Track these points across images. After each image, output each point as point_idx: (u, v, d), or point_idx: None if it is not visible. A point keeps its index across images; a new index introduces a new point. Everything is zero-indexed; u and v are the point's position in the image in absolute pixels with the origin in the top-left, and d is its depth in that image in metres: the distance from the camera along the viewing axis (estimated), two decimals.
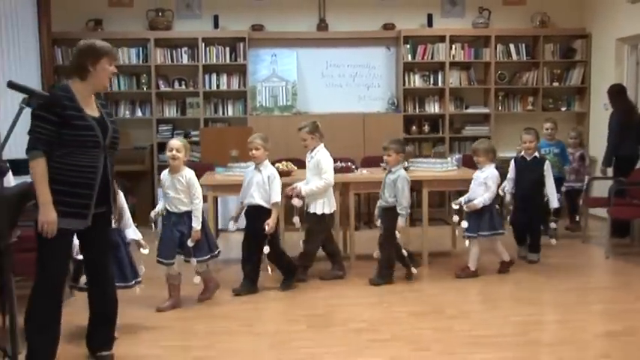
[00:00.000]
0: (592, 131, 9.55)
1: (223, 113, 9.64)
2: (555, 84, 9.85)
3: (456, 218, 6.59)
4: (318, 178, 6.18)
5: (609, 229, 7.27)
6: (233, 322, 5.26)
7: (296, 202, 6.18)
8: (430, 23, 9.72)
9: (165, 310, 5.40)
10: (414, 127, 9.69)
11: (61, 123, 3.93)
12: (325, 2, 9.66)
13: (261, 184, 5.92)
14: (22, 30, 8.01)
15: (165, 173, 5.55)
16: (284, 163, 7.00)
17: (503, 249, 6.47)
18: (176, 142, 5.49)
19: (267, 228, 5.82)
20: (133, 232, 4.96)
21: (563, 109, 9.88)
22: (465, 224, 6.35)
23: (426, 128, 9.73)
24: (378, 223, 6.38)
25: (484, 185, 6.34)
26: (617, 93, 8.16)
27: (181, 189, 5.43)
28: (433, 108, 9.85)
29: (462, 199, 6.43)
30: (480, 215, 6.32)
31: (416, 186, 6.99)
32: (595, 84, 9.57)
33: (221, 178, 6.64)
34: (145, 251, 5.06)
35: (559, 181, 7.64)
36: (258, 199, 5.91)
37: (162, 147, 9.31)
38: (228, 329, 5.09)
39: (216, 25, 9.51)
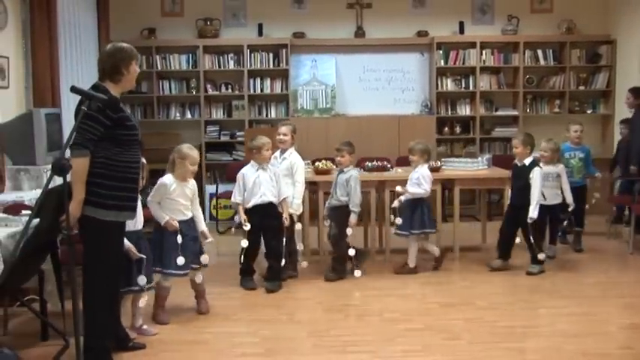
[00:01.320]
0: (617, 133, 9.39)
1: (267, 115, 9.67)
2: (581, 87, 9.68)
3: (392, 218, 6.40)
4: (290, 179, 6.07)
5: (633, 226, 7.16)
6: (274, 311, 5.31)
7: (299, 226, 6.08)
8: (462, 30, 9.64)
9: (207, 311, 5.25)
10: (446, 129, 9.63)
11: (115, 125, 3.94)
12: (362, 11, 9.63)
13: (270, 182, 5.83)
14: (84, 37, 8.13)
15: (170, 181, 5.00)
16: (323, 162, 6.99)
17: (433, 246, 6.40)
18: (198, 158, 5.13)
19: (286, 222, 5.83)
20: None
21: (589, 111, 9.72)
22: (399, 221, 6.25)
23: (458, 129, 9.67)
24: (327, 223, 6.34)
25: (417, 186, 6.23)
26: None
27: (190, 196, 5.11)
28: (464, 110, 9.77)
29: (401, 198, 6.28)
30: (412, 214, 6.23)
31: (448, 184, 6.97)
32: (620, 88, 9.38)
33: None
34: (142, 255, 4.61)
35: (581, 189, 7.17)
36: (270, 196, 5.82)
37: (209, 147, 9.44)
38: (269, 317, 5.13)
39: (260, 33, 9.54)
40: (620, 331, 4.77)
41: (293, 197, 6.05)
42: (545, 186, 6.50)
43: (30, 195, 5.57)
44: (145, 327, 4.71)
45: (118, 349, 4.31)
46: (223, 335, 4.74)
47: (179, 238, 4.94)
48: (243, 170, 5.92)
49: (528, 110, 9.75)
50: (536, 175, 6.22)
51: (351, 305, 5.43)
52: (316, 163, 6.93)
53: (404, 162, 8.03)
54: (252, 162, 5.91)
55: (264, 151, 5.82)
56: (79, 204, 3.86)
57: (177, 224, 4.96)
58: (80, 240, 4.08)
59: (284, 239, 5.82)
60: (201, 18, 9.45)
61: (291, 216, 6.00)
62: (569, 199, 6.60)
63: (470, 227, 6.88)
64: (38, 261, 4.44)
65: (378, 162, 6.98)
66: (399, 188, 6.26)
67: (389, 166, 7.22)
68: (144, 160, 4.62)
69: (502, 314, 5.15)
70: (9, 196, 5.53)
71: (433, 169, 6.89)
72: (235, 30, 9.61)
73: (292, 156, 6.16)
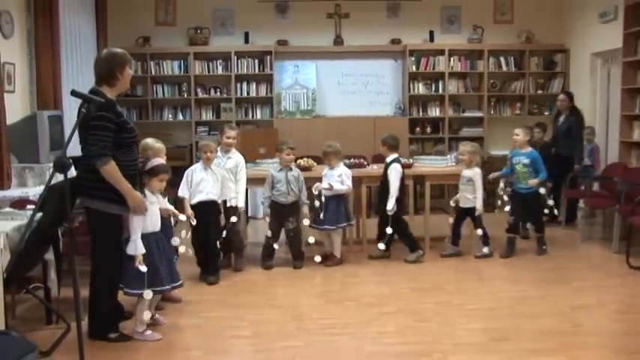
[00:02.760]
0: None
1: (252, 116, 9.66)
2: (539, 92, 9.78)
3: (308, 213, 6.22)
4: (234, 177, 5.95)
5: (585, 217, 7.26)
6: (260, 297, 5.32)
7: (234, 219, 5.96)
8: (432, 39, 9.69)
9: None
10: (417, 129, 9.69)
11: (118, 129, 4.02)
12: (341, 21, 9.65)
13: (215, 182, 5.70)
14: (84, 45, 8.09)
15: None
16: (305, 159, 6.98)
17: (339, 245, 6.35)
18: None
19: (223, 221, 5.78)
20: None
21: (546, 113, 9.76)
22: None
23: (428, 129, 9.71)
24: (267, 218, 6.17)
25: (339, 183, 6.19)
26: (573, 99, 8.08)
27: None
28: (434, 112, 9.82)
29: (318, 185, 6.15)
30: (337, 209, 6.18)
31: (419, 180, 6.98)
32: (573, 92, 9.46)
33: (251, 172, 6.62)
34: (143, 268, 4.21)
35: (530, 196, 6.43)
36: (214, 195, 5.69)
37: None
38: (255, 303, 5.14)
39: (246, 41, 9.53)
40: (572, 311, 4.83)
41: (237, 193, 5.99)
42: (460, 189, 6.46)
43: (34, 191, 5.57)
44: (148, 332, 4.34)
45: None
46: (214, 319, 4.74)
47: (175, 241, 4.85)
48: (193, 167, 5.80)
49: (492, 112, 9.82)
50: (391, 172, 6.24)
51: (330, 291, 5.44)
52: (298, 161, 6.92)
53: (379, 159, 8.05)
54: (200, 162, 5.78)
55: (202, 153, 5.70)
56: (131, 192, 4.05)
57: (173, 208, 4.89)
58: (88, 231, 4.23)
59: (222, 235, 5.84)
60: (192, 27, 9.43)
61: (235, 209, 5.98)
62: (478, 204, 6.32)
63: (439, 219, 6.90)
64: (41, 251, 4.42)
65: (355, 159, 7.00)
66: (325, 185, 6.17)
67: (365, 163, 7.26)
68: (163, 161, 4.56)
69: (468, 298, 5.19)
70: (15, 192, 5.53)
71: (406, 166, 6.91)
72: (223, 38, 9.60)
73: (236, 155, 6.07)
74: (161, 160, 4.55)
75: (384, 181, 6.33)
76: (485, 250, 6.44)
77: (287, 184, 6.11)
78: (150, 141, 5.04)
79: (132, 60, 4.32)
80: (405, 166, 6.87)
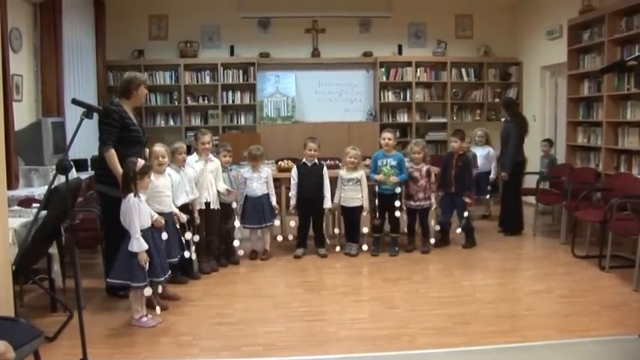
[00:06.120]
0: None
1: (237, 122, 9.64)
2: (496, 100, 9.84)
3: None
4: (219, 179, 5.74)
5: (535, 214, 7.34)
6: (245, 287, 5.32)
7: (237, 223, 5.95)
8: (400, 52, 9.75)
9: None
10: None
11: (122, 128, 4.72)
12: (318, 35, 9.68)
13: (189, 183, 5.35)
14: (84, 58, 8.05)
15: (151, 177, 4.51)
16: (285, 161, 7.00)
17: (268, 240, 6.28)
18: (162, 150, 4.90)
19: (197, 220, 5.45)
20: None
21: (503, 119, 9.84)
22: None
23: (398, 134, 9.72)
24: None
25: (266, 183, 6.11)
26: (513, 104, 7.72)
27: (170, 187, 4.95)
28: (403, 118, 9.87)
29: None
30: (261, 209, 6.07)
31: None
32: (526, 100, 9.63)
33: (235, 173, 6.53)
34: (146, 266, 4.26)
35: (391, 197, 6.19)
36: (190, 196, 5.36)
37: (189, 149, 9.31)
38: (241, 293, 5.14)
39: (232, 53, 9.52)
40: (526, 296, 4.91)
41: (213, 195, 5.68)
42: (345, 190, 6.25)
43: (39, 190, 5.55)
44: (144, 319, 4.34)
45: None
46: (202, 308, 4.74)
47: (164, 235, 4.63)
48: (169, 170, 5.14)
49: (455, 118, 9.90)
50: (325, 171, 6.25)
51: (309, 282, 5.45)
52: (279, 162, 6.94)
53: None
54: (171, 164, 5.21)
55: (177, 154, 5.30)
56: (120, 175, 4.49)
57: (163, 221, 4.57)
58: (102, 211, 4.86)
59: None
60: (182, 41, 9.40)
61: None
62: (365, 203, 6.20)
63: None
64: (46, 246, 4.40)
65: (331, 161, 7.02)
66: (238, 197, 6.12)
67: (340, 164, 7.26)
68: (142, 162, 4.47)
69: (433, 287, 5.23)
70: (22, 192, 5.52)
71: None
72: (211, 51, 9.57)
73: (215, 158, 5.80)
74: (142, 162, 4.42)
75: (318, 182, 6.21)
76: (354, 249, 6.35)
77: (230, 184, 5.90)
78: (152, 148, 4.94)
79: (147, 81, 5.05)
80: None
